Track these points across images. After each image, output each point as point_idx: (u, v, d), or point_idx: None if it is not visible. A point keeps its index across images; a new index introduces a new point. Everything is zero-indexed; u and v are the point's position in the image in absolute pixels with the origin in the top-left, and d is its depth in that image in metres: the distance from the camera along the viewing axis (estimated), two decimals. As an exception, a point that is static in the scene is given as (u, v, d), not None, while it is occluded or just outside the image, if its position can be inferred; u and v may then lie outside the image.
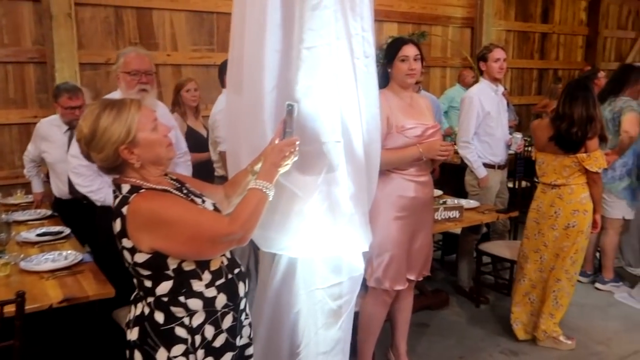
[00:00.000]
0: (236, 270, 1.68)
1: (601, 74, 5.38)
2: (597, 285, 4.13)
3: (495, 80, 3.80)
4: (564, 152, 3.06)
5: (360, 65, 2.01)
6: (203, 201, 1.70)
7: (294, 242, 1.99)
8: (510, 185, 4.35)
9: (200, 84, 4.27)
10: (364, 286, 2.74)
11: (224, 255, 1.64)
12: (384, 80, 2.69)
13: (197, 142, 3.83)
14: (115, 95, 2.69)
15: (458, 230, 3.85)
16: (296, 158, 1.77)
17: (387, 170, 2.60)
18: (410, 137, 2.61)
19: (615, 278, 4.13)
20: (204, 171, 3.41)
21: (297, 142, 1.75)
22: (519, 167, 4.48)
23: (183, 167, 2.96)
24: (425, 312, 3.70)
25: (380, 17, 6.51)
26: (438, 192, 3.81)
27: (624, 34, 8.88)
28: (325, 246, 2.05)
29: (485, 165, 3.78)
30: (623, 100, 4.00)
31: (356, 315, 2.68)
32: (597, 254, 4.30)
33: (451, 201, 3.55)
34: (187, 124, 4.02)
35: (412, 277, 2.77)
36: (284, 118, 1.80)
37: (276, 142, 1.78)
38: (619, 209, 4.04)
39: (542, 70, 8.16)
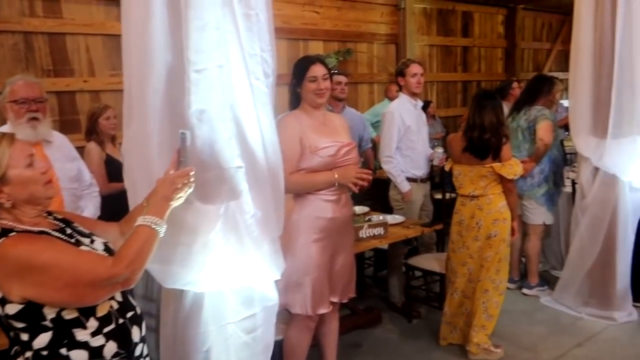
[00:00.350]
0: (129, 314, 1.55)
1: (515, 84, 5.57)
2: (524, 290, 4.22)
3: (414, 95, 3.83)
4: (480, 161, 3.11)
5: (259, 86, 1.94)
6: (92, 241, 1.57)
7: (199, 275, 1.87)
8: (439, 196, 4.39)
9: (119, 110, 4.09)
10: (286, 312, 2.66)
11: (113, 298, 1.51)
12: (296, 100, 2.64)
13: (116, 170, 3.62)
14: (4, 128, 2.50)
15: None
16: (191, 189, 1.67)
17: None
18: (325, 156, 2.57)
19: (540, 282, 4.23)
20: (125, 200, 3.24)
21: (192, 173, 1.66)
22: (447, 178, 4.54)
23: (88, 199, 2.80)
24: (358, 332, 3.65)
25: (306, 35, 6.55)
26: (365, 209, 3.79)
27: (539, 45, 9.32)
28: (234, 277, 1.95)
29: (408, 179, 3.81)
30: (537, 109, 4.13)
31: (279, 343, 2.59)
32: (523, 260, 4.39)
33: (376, 218, 3.53)
34: (105, 152, 3.83)
35: (335, 300, 2.70)
36: (178, 147, 1.70)
37: (171, 172, 1.68)
38: (539, 215, 4.14)
39: (466, 83, 8.41)
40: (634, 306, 3.78)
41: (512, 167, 3.08)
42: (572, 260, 3.92)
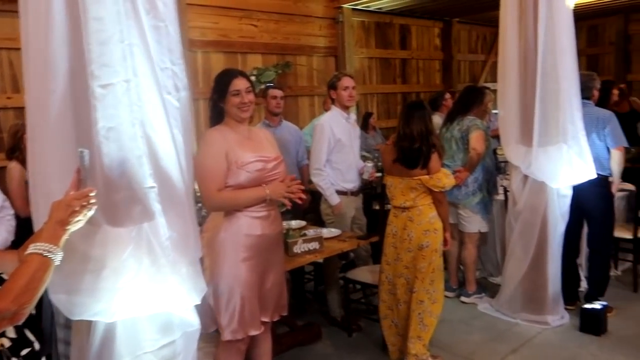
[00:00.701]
0: (25, 351, 1.43)
1: (448, 95, 5.69)
2: (462, 298, 4.26)
3: (345, 107, 3.82)
4: (409, 172, 3.11)
5: (171, 100, 1.85)
6: (-19, 273, 1.44)
7: (109, 304, 1.75)
8: (378, 207, 4.40)
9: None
10: (216, 334, 2.56)
11: (4, 335, 1.38)
12: (218, 115, 2.57)
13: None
14: None
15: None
16: (92, 212, 1.56)
17: (230, 209, 2.47)
18: (252, 171, 2.50)
19: (478, 290, 4.28)
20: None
21: (92, 194, 1.55)
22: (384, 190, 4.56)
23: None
24: (298, 349, 3.57)
25: (244, 49, 6.50)
26: (302, 223, 3.73)
27: (475, 57, 9.58)
28: (149, 304, 1.84)
29: (339, 192, 3.78)
30: (469, 119, 4.21)
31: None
32: (462, 268, 4.44)
33: (312, 232, 3.47)
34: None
35: (266, 319, 2.62)
36: (78, 167, 1.60)
37: (71, 193, 1.56)
38: (474, 224, 4.20)
39: (405, 94, 8.53)
40: (566, 309, 3.87)
41: (440, 180, 3.09)
42: (507, 266, 3.98)
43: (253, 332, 2.54)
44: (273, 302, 2.64)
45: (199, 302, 1.97)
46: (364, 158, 5.33)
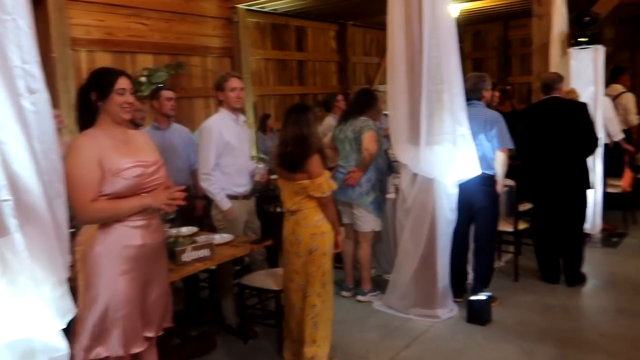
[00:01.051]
0: None
1: (340, 97, 5.77)
2: (359, 297, 4.32)
3: (234, 109, 3.72)
4: (291, 175, 3.08)
5: (24, 104, 1.67)
6: None
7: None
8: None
9: None
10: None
11: None
12: (90, 117, 2.38)
13: None
14: None
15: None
16: None
17: (106, 219, 2.30)
18: (129, 178, 2.34)
19: (373, 288, 4.36)
20: None
21: None
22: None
23: None
24: (192, 361, 3.43)
25: (133, 48, 6.20)
26: (193, 229, 3.58)
27: (369, 59, 9.84)
28: (6, 329, 1.65)
29: (230, 196, 3.68)
30: (362, 120, 4.28)
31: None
32: (357, 266, 4.49)
33: (203, 238, 3.34)
34: None
35: (150, 334, 2.47)
36: None
37: None
38: (368, 223, 4.27)
39: (302, 96, 8.58)
40: (455, 302, 4.04)
41: (320, 186, 3.03)
42: (399, 263, 4.09)
43: (135, 350, 2.38)
44: (158, 315, 2.50)
45: (64, 326, 1.80)
46: (261, 161, 5.27)
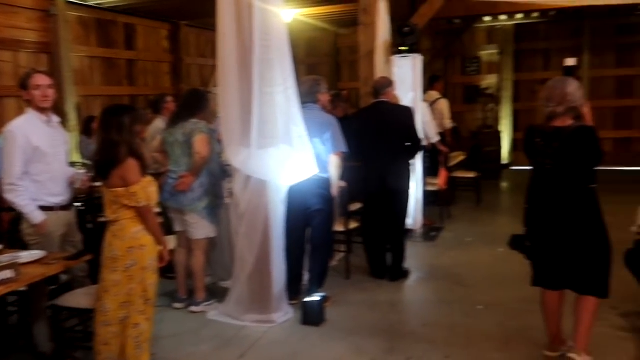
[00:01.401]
0: None
1: (169, 98, 5.54)
2: (192, 308, 4.13)
3: (42, 110, 3.32)
4: (107, 182, 2.85)
5: None
6: None
7: None
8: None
9: None
10: None
11: None
12: None
13: None
14: None
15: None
16: None
17: None
18: None
19: (207, 297, 4.20)
20: None
21: None
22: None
23: None
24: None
25: None
26: (-3, 247, 3.12)
27: (204, 61, 9.62)
28: None
29: (43, 208, 3.29)
30: (193, 122, 4.11)
31: None
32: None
33: (6, 257, 2.92)
34: None
35: None
36: None
37: None
38: (202, 229, 4.12)
39: (133, 97, 8.11)
40: (290, 304, 4.06)
41: (135, 194, 2.81)
42: (235, 269, 3.99)
43: None
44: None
45: None
46: (83, 166, 4.80)
